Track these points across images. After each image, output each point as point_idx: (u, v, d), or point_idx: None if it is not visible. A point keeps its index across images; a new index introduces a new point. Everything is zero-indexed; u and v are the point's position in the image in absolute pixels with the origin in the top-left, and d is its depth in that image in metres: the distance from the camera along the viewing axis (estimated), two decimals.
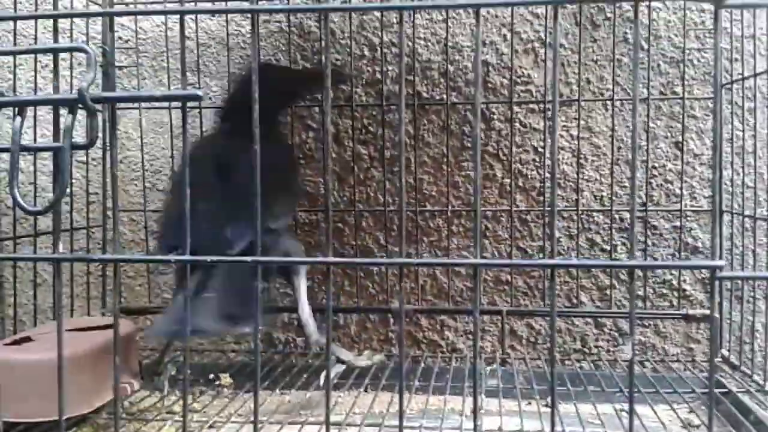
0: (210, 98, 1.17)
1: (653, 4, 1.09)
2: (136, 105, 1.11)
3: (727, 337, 1.07)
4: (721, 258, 1.07)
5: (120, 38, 1.18)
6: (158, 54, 1.17)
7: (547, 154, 1.12)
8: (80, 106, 0.41)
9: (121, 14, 0.41)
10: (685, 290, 1.11)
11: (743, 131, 1.05)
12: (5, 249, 0.94)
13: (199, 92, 0.45)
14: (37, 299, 1.06)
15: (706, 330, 1.11)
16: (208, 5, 1.13)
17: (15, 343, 0.80)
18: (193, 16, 1.14)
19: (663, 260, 1.11)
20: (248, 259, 0.46)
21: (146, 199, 1.15)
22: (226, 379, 0.98)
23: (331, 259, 0.47)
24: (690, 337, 1.13)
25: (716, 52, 0.43)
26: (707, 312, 1.08)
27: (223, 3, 1.13)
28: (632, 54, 1.10)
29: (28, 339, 0.81)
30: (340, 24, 1.14)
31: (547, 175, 1.12)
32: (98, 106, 0.42)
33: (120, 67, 1.17)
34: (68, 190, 0.78)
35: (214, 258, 0.47)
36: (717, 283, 0.44)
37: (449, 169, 1.13)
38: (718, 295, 1.08)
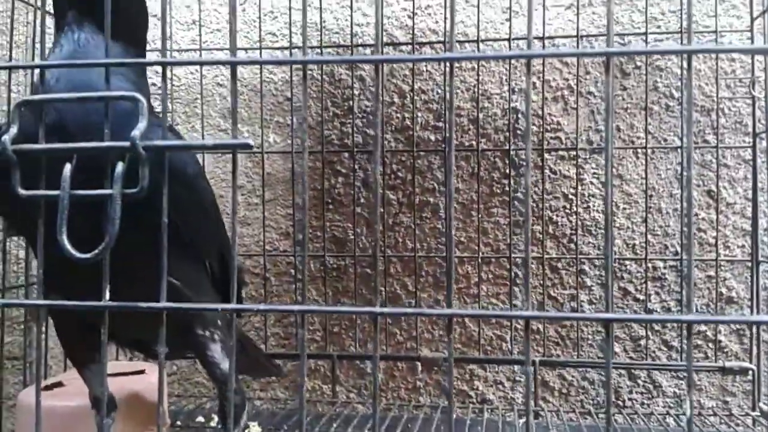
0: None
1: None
2: None
3: (765, 391, 1.04)
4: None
5: (153, 84, 1.21)
6: (191, 101, 1.19)
7: (578, 201, 1.11)
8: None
9: (175, 64, 0.42)
10: (720, 341, 1.09)
11: None
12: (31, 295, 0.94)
13: (250, 141, 0.44)
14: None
15: (742, 383, 1.09)
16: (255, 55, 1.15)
17: (47, 388, 0.79)
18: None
19: (697, 310, 1.09)
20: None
21: None
22: (255, 427, 0.96)
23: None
24: (725, 389, 1.10)
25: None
26: (745, 364, 1.05)
27: (271, 54, 1.15)
28: (662, 102, 1.10)
29: (60, 384, 0.80)
30: (370, 72, 1.15)
31: (579, 222, 1.11)
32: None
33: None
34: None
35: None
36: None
37: (479, 216, 1.12)
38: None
